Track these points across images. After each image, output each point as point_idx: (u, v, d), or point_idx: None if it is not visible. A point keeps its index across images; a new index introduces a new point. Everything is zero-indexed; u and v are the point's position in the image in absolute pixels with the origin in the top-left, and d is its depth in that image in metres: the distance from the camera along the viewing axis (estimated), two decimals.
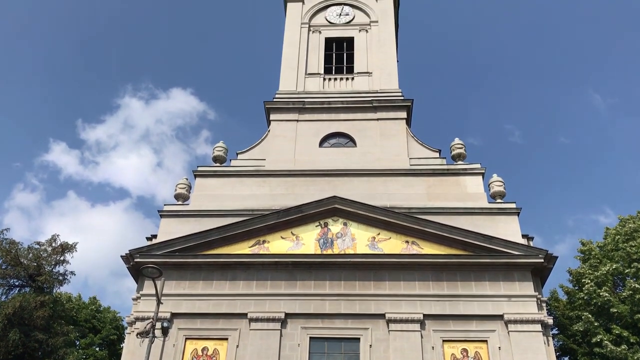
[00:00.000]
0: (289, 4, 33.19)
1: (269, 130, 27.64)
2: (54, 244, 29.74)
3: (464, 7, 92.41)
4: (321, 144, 26.90)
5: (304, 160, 26.12)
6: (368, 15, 32.21)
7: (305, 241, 22.47)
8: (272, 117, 27.99)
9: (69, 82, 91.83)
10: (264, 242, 22.51)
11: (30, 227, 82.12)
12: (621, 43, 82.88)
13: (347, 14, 32.46)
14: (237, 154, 26.91)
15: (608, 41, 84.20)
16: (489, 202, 23.93)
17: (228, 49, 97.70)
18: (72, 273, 30.09)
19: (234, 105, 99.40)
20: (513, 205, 23.45)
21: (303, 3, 32.88)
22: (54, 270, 29.49)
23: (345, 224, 22.81)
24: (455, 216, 22.93)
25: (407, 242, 22.19)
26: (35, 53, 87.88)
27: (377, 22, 31.72)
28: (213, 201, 24.52)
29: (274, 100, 28.52)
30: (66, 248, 29.52)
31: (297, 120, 27.67)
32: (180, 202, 24.93)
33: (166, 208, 24.45)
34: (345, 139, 27.11)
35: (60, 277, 29.51)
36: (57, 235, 30.07)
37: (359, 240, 22.37)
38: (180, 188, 25.18)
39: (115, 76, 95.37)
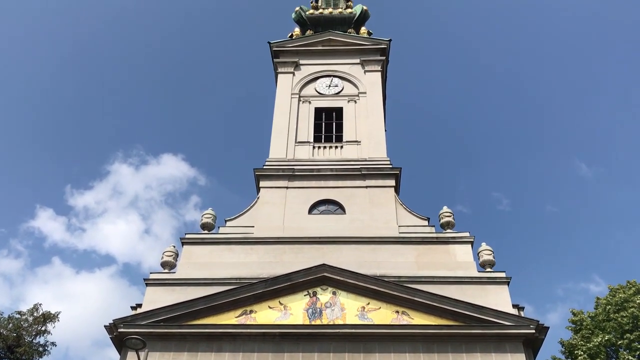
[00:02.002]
0: (280, 75, 34.21)
1: (258, 197, 27.74)
2: (35, 314, 29.02)
3: (451, 77, 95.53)
4: (310, 210, 26.95)
5: (293, 227, 26.06)
6: (356, 86, 33.19)
7: (293, 311, 22.06)
8: (261, 184, 28.17)
9: (60, 148, 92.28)
10: (251, 312, 22.06)
11: (12, 295, 79.94)
12: (605, 112, 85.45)
13: (336, 86, 33.45)
14: (226, 220, 26.85)
15: (593, 110, 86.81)
16: (479, 271, 23.82)
17: (220, 116, 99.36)
18: (53, 344, 29.25)
19: (225, 171, 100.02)
20: (503, 275, 23.34)
21: (294, 75, 33.91)
22: (34, 341, 28.62)
23: (334, 293, 22.50)
24: (445, 285, 22.71)
25: (397, 312, 21.85)
26: (25, 118, 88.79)
27: (365, 93, 32.65)
28: (200, 269, 24.21)
29: (264, 167, 28.82)
30: (48, 318, 28.81)
31: (287, 187, 27.84)
32: (166, 270, 24.59)
33: (152, 276, 24.06)
34: (334, 206, 27.21)
35: (41, 349, 28.61)
36: (40, 305, 29.42)
37: (348, 310, 22.00)
38: (167, 256, 24.91)
39: (106, 143, 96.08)
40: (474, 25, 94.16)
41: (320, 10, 39.09)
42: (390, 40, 35.11)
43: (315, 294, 22.48)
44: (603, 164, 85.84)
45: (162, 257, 24.91)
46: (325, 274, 22.56)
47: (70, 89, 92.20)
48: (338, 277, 22.51)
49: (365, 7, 39.29)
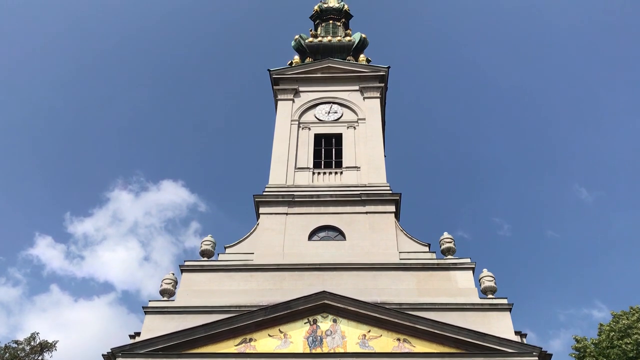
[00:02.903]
0: (279, 102, 34.46)
1: (258, 224, 27.66)
2: (32, 343, 28.70)
3: (451, 102, 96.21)
4: (310, 237, 26.83)
5: (293, 253, 25.93)
6: (356, 113, 33.39)
7: (293, 339, 21.80)
8: (261, 210, 28.11)
9: (59, 175, 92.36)
10: (250, 340, 21.81)
11: (10, 324, 79.07)
12: (606, 137, 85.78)
13: (335, 112, 33.67)
14: (225, 247, 26.72)
15: (593, 135, 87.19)
16: (480, 298, 23.61)
17: (220, 142, 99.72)
18: None
19: (225, 197, 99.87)
20: (505, 301, 23.12)
21: (293, 102, 34.17)
22: None
23: (334, 321, 22.26)
24: (447, 312, 22.50)
25: (398, 339, 21.61)
26: (24, 145, 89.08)
27: (364, 119, 32.83)
28: (199, 297, 24.00)
29: (264, 193, 28.79)
30: (45, 347, 28.50)
31: (287, 214, 27.77)
32: (165, 298, 24.38)
33: (151, 304, 23.85)
34: (334, 232, 27.10)
35: None
36: (37, 334, 29.15)
37: (349, 338, 21.74)
38: (165, 283, 24.71)
39: (106, 169, 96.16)
40: (474, 51, 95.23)
41: (320, 39, 39.61)
42: (389, 68, 35.46)
43: (315, 321, 22.25)
44: (603, 189, 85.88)
45: (161, 285, 24.73)
46: (326, 302, 22.37)
47: (69, 116, 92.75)
48: (338, 305, 22.31)
49: (364, 35, 39.83)
